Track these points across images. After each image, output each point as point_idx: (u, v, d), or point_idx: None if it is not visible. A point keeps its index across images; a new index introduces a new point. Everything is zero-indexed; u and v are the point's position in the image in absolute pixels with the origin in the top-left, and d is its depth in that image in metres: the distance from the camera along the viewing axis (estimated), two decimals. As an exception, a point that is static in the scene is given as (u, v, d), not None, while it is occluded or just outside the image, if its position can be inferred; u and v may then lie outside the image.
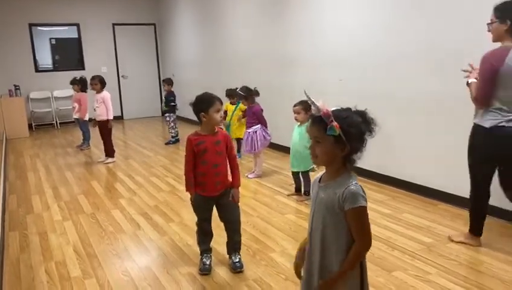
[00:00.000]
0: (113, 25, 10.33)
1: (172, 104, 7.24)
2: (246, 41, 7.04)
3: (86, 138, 7.20)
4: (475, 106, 2.85)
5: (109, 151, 6.20)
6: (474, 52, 2.88)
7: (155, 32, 10.95)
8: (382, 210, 3.84)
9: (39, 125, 9.72)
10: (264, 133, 4.94)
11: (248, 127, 5.01)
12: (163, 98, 7.35)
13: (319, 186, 1.61)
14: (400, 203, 3.99)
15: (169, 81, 7.37)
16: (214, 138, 2.70)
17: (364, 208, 1.50)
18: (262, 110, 5.00)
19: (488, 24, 2.78)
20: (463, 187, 3.17)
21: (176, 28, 9.92)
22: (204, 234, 2.89)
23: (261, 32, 6.54)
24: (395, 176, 4.45)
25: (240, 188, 2.83)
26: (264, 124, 4.96)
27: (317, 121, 1.49)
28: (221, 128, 2.86)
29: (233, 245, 2.90)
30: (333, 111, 1.49)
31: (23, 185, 5.13)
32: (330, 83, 5.11)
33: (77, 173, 5.66)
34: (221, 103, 2.70)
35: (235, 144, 5.47)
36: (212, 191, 2.73)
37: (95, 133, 6.72)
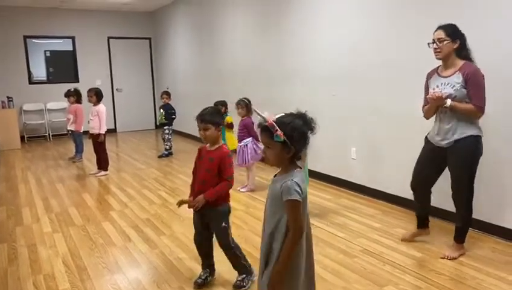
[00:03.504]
0: (109, 38, 10.39)
1: (173, 116, 7.26)
2: (241, 56, 7.10)
3: (79, 150, 7.16)
4: (478, 118, 2.94)
5: (103, 165, 6.17)
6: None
7: (150, 46, 11.01)
8: (373, 224, 3.84)
9: (31, 137, 9.67)
10: (255, 147, 4.94)
11: (239, 140, 5.01)
12: (161, 110, 7.30)
13: (272, 179, 1.89)
14: (391, 218, 3.99)
15: (169, 94, 7.41)
16: (210, 154, 2.66)
17: (296, 202, 1.72)
18: (253, 123, 5.01)
19: (435, 42, 2.98)
20: (451, 202, 3.18)
21: (171, 42, 9.99)
22: (197, 248, 2.86)
23: (256, 47, 6.60)
24: (385, 190, 4.46)
25: (231, 202, 2.78)
26: (255, 137, 4.96)
27: (265, 130, 1.74)
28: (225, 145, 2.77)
29: (233, 266, 2.81)
30: (277, 118, 1.73)
31: (13, 197, 5.09)
32: (324, 98, 5.15)
33: (68, 185, 5.62)
34: (201, 122, 2.61)
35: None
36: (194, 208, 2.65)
37: (87, 145, 6.70)
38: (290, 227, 1.75)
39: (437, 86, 3.02)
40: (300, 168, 1.83)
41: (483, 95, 2.89)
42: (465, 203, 3.07)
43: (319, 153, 5.09)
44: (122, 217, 4.26)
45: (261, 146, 4.95)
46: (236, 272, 2.82)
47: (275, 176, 1.90)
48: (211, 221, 2.72)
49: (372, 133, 4.60)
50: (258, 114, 1.75)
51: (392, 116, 4.33)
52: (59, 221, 4.20)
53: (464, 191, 3.05)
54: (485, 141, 3.02)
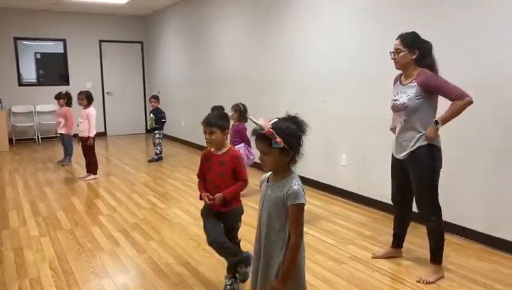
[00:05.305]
0: (100, 41, 10.34)
1: (163, 120, 7.25)
2: (232, 62, 7.11)
3: (68, 153, 7.10)
4: (469, 104, 2.71)
5: (92, 168, 6.12)
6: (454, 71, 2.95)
7: (142, 50, 10.99)
8: (363, 232, 3.86)
9: (20, 140, 9.56)
10: (247, 152, 4.94)
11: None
12: (151, 115, 7.29)
13: (267, 185, 1.88)
14: (381, 225, 4.01)
15: (157, 98, 7.40)
16: (220, 158, 2.62)
17: (302, 205, 1.76)
18: (246, 129, 5.01)
19: (393, 52, 2.95)
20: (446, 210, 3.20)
21: (163, 46, 9.97)
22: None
23: (247, 53, 6.62)
24: (375, 197, 4.48)
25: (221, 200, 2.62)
26: (247, 142, 4.97)
27: (261, 138, 1.75)
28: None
29: (230, 265, 2.79)
30: (273, 125, 1.73)
31: (0, 200, 5.01)
32: (314, 104, 5.17)
33: (57, 188, 5.56)
34: (207, 125, 2.59)
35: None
36: (212, 206, 2.62)
37: (77, 149, 6.64)
38: (292, 231, 1.75)
39: (397, 94, 3.00)
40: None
41: (452, 86, 2.74)
42: (431, 215, 2.92)
43: (309, 160, 5.08)
44: (110, 222, 4.23)
45: (253, 151, 5.01)
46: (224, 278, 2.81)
47: (268, 180, 1.89)
48: (228, 221, 2.70)
49: (363, 140, 4.63)
50: (254, 122, 1.75)
51: (382, 123, 4.35)
52: (46, 225, 4.15)
53: (426, 205, 2.93)
54: (485, 144, 2.94)
